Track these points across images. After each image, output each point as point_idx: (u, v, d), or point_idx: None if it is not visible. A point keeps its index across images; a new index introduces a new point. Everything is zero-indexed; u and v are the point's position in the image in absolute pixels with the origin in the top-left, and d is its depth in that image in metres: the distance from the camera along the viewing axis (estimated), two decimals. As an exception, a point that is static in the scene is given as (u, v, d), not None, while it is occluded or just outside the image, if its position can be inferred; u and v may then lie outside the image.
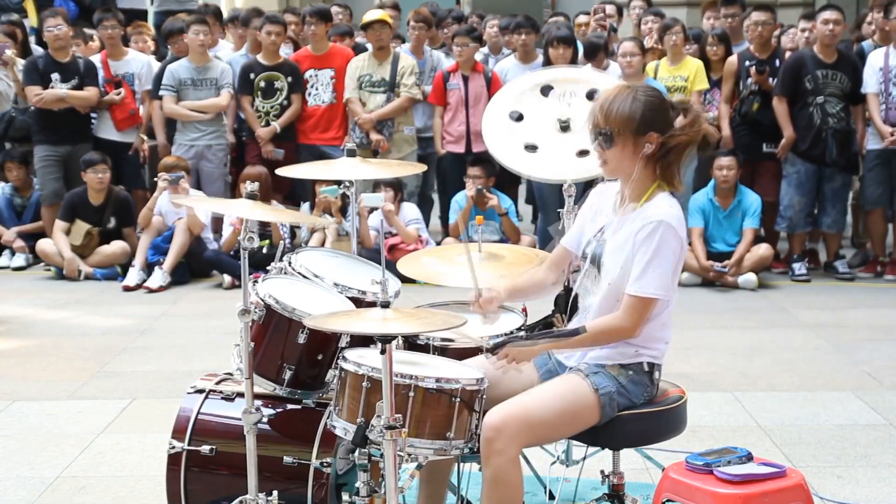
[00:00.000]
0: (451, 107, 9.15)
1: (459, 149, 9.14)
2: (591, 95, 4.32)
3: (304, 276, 3.83)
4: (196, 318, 7.49)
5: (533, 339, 3.38)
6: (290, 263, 3.88)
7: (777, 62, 8.85)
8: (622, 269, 3.37)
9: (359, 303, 3.75)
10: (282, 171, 4.01)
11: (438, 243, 8.64)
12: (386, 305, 3.15)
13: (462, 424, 3.31)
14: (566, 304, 3.64)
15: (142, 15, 11.60)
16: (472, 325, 3.54)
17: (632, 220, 3.38)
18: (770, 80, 8.67)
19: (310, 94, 9.27)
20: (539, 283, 3.67)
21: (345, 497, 3.74)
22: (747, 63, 8.74)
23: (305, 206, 8.93)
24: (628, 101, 3.36)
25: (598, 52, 8.75)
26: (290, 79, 9.16)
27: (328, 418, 3.52)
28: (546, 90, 4.34)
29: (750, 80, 8.77)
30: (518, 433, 3.24)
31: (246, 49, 9.87)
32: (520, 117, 4.40)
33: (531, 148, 4.34)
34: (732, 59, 8.95)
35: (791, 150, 8.61)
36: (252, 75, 9.18)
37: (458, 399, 3.29)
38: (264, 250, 8.31)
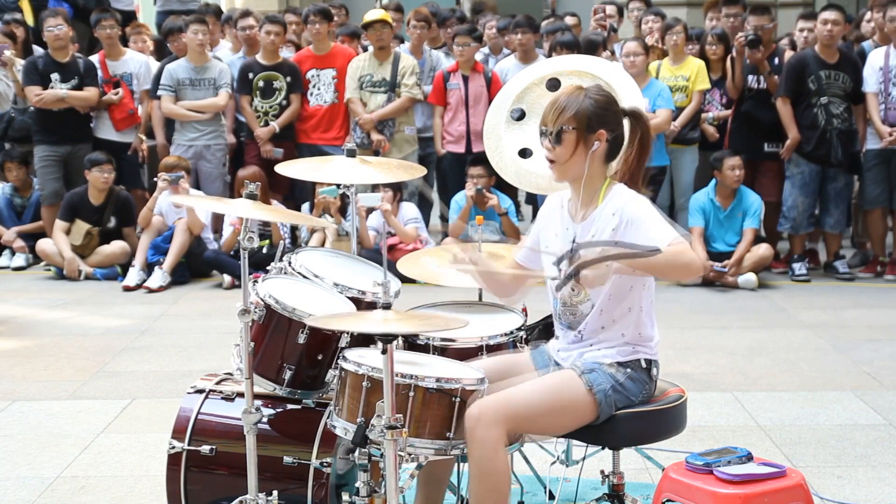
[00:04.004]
0: (451, 107, 9.15)
1: (459, 149, 9.15)
2: None
3: (304, 276, 3.83)
4: (196, 318, 7.49)
5: (603, 256, 3.18)
6: (290, 263, 3.88)
7: (776, 61, 8.86)
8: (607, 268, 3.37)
9: (359, 303, 3.75)
10: (280, 169, 4.01)
11: (438, 243, 8.64)
12: (387, 307, 3.15)
13: (462, 425, 3.30)
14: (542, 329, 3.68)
15: (131, 16, 11.60)
16: (472, 326, 3.54)
17: (596, 220, 3.39)
18: (769, 69, 8.70)
19: (312, 95, 9.27)
20: (504, 286, 3.63)
21: (345, 497, 3.74)
22: (743, 37, 8.71)
23: (305, 206, 8.93)
24: (578, 100, 3.39)
25: (596, 50, 8.76)
26: (289, 79, 9.16)
27: (328, 418, 3.52)
28: (553, 85, 4.32)
29: (752, 77, 8.79)
30: (497, 420, 3.24)
31: (236, 49, 9.89)
32: (521, 115, 4.37)
33: (526, 153, 4.31)
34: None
35: (795, 151, 8.62)
36: (251, 75, 9.18)
37: (459, 399, 3.29)
38: (264, 250, 8.31)
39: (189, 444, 3.69)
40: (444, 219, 9.40)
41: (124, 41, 10.02)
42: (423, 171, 4.27)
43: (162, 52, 10.23)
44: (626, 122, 3.45)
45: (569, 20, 10.31)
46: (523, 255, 3.65)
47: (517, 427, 3.34)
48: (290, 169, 4.02)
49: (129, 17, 11.24)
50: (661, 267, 3.25)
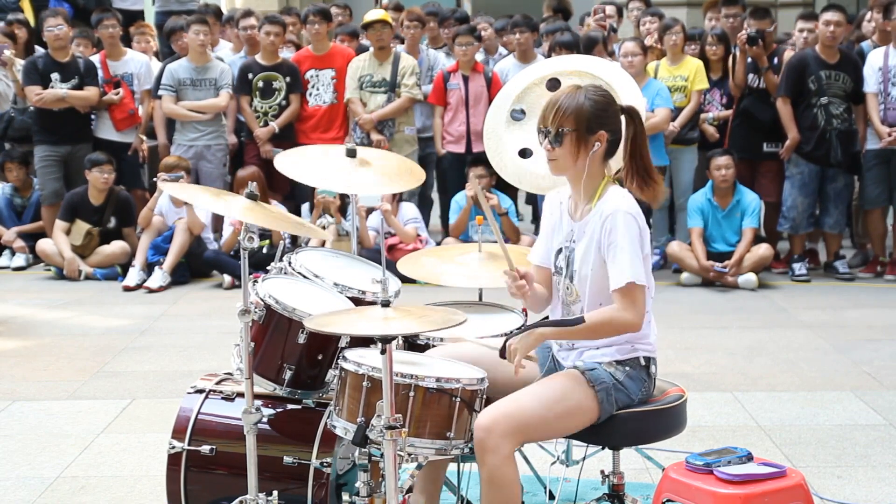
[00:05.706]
0: (451, 107, 9.15)
1: (459, 149, 9.14)
2: None
3: (304, 276, 3.83)
4: (196, 318, 7.49)
5: (529, 328, 3.38)
6: (290, 263, 3.88)
7: (775, 60, 8.86)
8: (593, 272, 3.39)
9: (359, 303, 3.75)
10: (280, 167, 3.98)
11: (438, 243, 8.64)
12: (386, 304, 3.15)
13: (462, 424, 3.31)
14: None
15: (137, 16, 11.60)
16: (472, 326, 3.53)
17: (590, 221, 3.40)
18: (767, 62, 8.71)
19: (311, 95, 9.27)
20: (542, 298, 3.62)
21: (345, 497, 3.74)
22: (744, 34, 8.72)
23: (305, 207, 8.93)
24: (578, 100, 3.38)
25: (594, 47, 8.77)
26: (288, 79, 9.17)
27: (328, 418, 3.52)
28: (553, 86, 4.32)
29: (752, 76, 8.80)
30: (509, 431, 3.24)
31: (237, 49, 9.89)
32: (521, 115, 4.36)
33: (526, 153, 4.30)
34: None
35: (794, 151, 8.62)
36: (250, 75, 9.18)
37: (459, 399, 3.29)
38: (264, 250, 8.31)
39: (189, 444, 3.69)
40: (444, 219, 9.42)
41: (127, 41, 10.02)
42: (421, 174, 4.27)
43: (165, 51, 10.24)
44: (622, 120, 3.45)
45: None
46: (539, 256, 3.64)
47: (527, 438, 3.37)
48: (290, 169, 4.01)
49: (134, 17, 11.24)
50: (585, 335, 3.38)
